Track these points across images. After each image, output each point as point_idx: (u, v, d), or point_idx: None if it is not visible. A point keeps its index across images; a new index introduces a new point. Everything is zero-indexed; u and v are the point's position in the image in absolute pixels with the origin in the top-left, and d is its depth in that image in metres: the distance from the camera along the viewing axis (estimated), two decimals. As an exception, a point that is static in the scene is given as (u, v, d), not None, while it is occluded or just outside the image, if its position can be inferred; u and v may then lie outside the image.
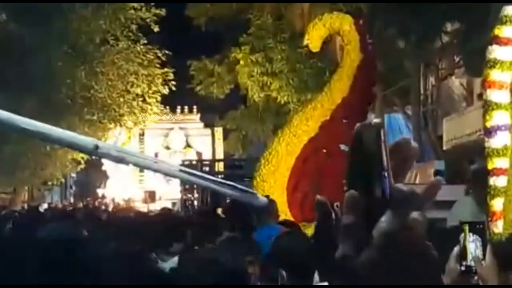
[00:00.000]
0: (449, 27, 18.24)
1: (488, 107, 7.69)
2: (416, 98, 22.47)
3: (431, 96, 24.72)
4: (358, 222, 1.14)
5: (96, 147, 4.14)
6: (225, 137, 36.25)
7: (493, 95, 7.65)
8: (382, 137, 1.16)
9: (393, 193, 1.12)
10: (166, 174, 4.76)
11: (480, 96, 16.62)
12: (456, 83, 23.55)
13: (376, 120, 1.10)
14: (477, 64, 10.00)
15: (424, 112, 23.69)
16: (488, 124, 7.64)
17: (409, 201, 1.12)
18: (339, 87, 10.46)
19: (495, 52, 7.68)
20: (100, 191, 43.06)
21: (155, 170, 4.99)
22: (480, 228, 3.01)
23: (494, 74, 7.69)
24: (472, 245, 2.96)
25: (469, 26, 15.17)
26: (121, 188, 40.57)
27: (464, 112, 21.35)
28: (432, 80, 24.28)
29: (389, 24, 17.14)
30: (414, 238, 1.09)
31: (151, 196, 33.50)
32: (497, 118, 7.58)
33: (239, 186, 4.77)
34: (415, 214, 1.09)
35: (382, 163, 1.14)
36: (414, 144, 1.16)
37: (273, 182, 9.89)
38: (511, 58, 7.65)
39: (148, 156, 4.33)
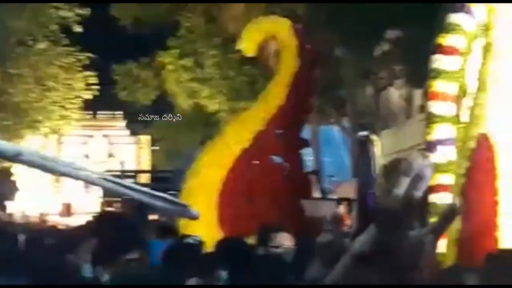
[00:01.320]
0: (389, 34, 18.45)
1: (430, 119, 7.79)
2: (353, 109, 22.67)
3: (369, 108, 24.97)
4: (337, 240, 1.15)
5: (18, 153, 4.05)
6: (151, 147, 36.02)
7: (437, 107, 7.76)
8: (369, 151, 1.15)
9: (378, 210, 1.12)
10: (94, 184, 4.69)
11: (421, 108, 16.87)
12: (395, 94, 23.83)
13: (363, 133, 1.09)
14: (419, 74, 10.15)
15: (361, 125, 23.90)
16: (430, 138, 7.74)
17: (394, 220, 1.11)
18: (274, 96, 10.46)
19: (439, 61, 7.79)
20: (9, 204, 42.23)
21: (84, 180, 4.91)
22: None
23: (438, 85, 7.80)
24: None
25: (412, 33, 15.37)
26: (34, 200, 39.89)
27: (404, 125, 21.63)
28: (370, 91, 24.54)
29: (327, 29, 17.27)
30: (383, 261, 1.08)
31: (67, 209, 33.07)
32: (440, 131, 7.68)
33: (170, 198, 4.73)
34: (411, 234, 1.09)
35: (368, 179, 1.15)
36: (422, 163, 1.16)
37: (202, 196, 9.83)
38: (456, 68, 7.77)
39: (77, 165, 4.24)
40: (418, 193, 1.15)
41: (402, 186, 1.15)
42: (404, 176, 1.16)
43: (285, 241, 5.56)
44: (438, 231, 1.13)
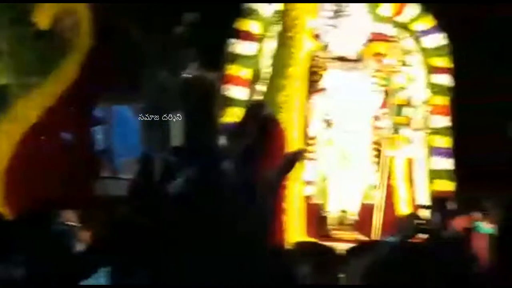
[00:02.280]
0: (187, 16, 18.44)
1: (225, 103, 7.86)
2: (148, 90, 22.52)
3: (164, 89, 24.86)
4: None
5: None
6: None
7: (231, 91, 7.84)
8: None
9: None
10: None
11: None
12: (191, 76, 23.86)
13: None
14: (214, 58, 10.20)
15: (156, 106, 23.77)
16: (225, 120, 7.82)
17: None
18: (67, 72, 10.26)
19: (235, 46, 7.86)
20: None
21: None
22: None
23: (233, 69, 7.87)
24: None
25: (209, 16, 15.43)
26: None
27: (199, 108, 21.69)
28: (165, 72, 24.46)
29: (125, 8, 17.05)
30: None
31: None
32: (232, 114, 7.77)
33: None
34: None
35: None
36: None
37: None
38: (251, 53, 7.87)
39: None
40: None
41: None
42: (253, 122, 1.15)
43: (71, 218, 5.45)
44: (282, 172, 1.13)
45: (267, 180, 1.24)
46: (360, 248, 4.11)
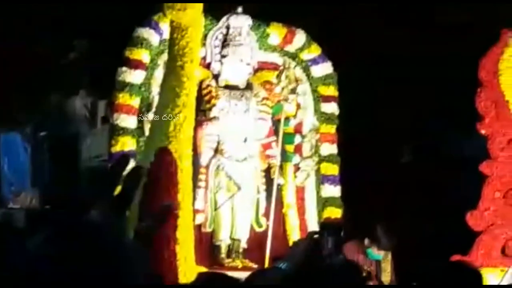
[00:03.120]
0: (77, 44, 18.24)
1: (114, 131, 7.77)
2: (35, 118, 22.13)
3: (53, 115, 24.44)
4: None
5: None
6: None
7: (121, 119, 7.75)
8: None
9: None
10: None
11: (104, 119, 16.81)
12: (79, 103, 23.52)
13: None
14: (104, 85, 10.09)
15: (46, 134, 23.34)
16: (113, 149, 7.72)
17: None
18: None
19: (125, 74, 7.79)
20: None
21: None
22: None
23: (123, 98, 7.80)
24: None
25: (99, 44, 15.28)
26: None
27: (87, 135, 21.41)
28: (55, 98, 24.06)
29: (14, 35, 16.76)
30: None
31: None
32: (123, 143, 7.68)
33: None
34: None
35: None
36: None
37: None
38: (141, 82, 7.82)
39: None
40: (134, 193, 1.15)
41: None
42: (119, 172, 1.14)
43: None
44: (151, 227, 1.14)
45: (141, 230, 1.23)
46: (253, 276, 4.10)
